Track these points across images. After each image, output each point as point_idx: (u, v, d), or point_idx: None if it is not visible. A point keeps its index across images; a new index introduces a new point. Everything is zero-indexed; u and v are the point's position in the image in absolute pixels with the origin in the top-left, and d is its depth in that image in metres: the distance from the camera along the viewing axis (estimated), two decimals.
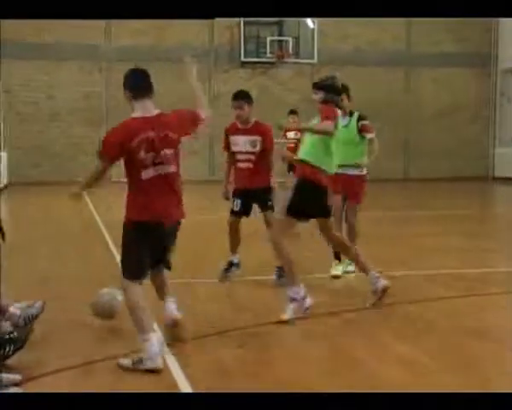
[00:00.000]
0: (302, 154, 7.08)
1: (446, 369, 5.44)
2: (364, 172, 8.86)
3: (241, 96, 8.34)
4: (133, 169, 5.65)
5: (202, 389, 4.93)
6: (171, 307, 6.16)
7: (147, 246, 5.72)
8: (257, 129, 8.37)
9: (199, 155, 23.97)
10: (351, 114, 8.82)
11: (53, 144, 23.79)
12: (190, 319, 7.01)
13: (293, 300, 6.72)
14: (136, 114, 5.72)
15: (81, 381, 5.25)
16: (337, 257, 8.81)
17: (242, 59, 24.25)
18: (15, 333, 5.52)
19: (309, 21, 24.02)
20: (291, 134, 16.52)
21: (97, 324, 6.58)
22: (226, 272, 8.55)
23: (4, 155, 22.10)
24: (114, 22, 23.58)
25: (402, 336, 6.28)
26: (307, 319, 6.89)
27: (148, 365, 5.35)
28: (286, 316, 6.65)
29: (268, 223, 8.34)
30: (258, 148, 8.28)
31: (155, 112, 5.76)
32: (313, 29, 24.18)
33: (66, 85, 23.82)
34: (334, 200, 7.87)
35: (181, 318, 6.17)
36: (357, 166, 8.76)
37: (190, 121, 6.04)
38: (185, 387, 5.00)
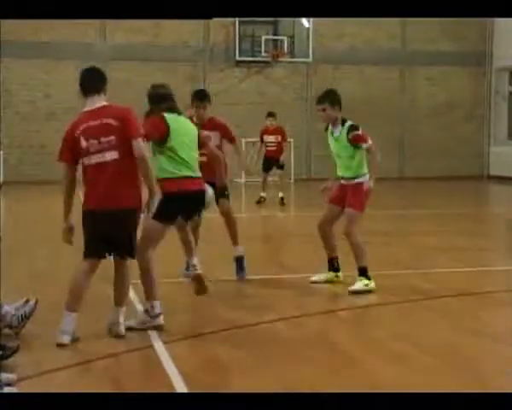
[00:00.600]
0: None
1: (444, 367, 5.44)
2: (362, 179, 8.39)
3: (205, 97, 8.70)
4: (80, 159, 6.05)
5: (198, 389, 4.92)
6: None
7: (94, 232, 6.12)
8: (213, 124, 8.59)
9: None
10: (343, 123, 8.69)
11: (49, 143, 23.72)
12: (186, 317, 7.00)
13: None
14: (84, 109, 6.15)
15: (77, 380, 5.24)
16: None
17: (237, 58, 24.20)
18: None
19: (304, 20, 24.00)
20: (271, 138, 16.79)
21: (93, 322, 6.56)
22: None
23: (1, 153, 22.05)
24: (109, 21, 23.53)
25: (399, 334, 6.28)
26: (303, 317, 6.90)
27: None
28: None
29: (223, 213, 8.57)
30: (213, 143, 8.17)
31: (101, 104, 6.13)
32: (308, 28, 24.15)
33: (63, 84, 23.76)
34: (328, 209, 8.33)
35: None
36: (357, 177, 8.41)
37: (136, 126, 6.15)
38: (181, 386, 4.99)
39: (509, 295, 8.08)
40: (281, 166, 16.99)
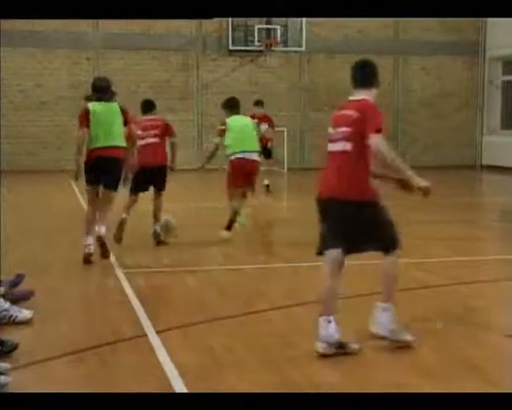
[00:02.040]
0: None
1: (440, 357, 5.45)
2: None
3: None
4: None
5: (191, 378, 4.92)
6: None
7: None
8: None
9: (188, 144, 23.89)
10: None
11: (41, 133, 23.67)
12: (179, 307, 7.00)
13: None
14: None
15: (70, 369, 5.23)
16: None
17: (230, 47, 24.14)
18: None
19: None
20: (265, 126, 16.91)
21: (86, 312, 6.56)
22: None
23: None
24: None
25: None
26: (296, 306, 6.90)
27: None
28: None
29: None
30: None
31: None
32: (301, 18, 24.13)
33: (55, 74, 23.68)
34: None
35: None
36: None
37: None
38: (174, 376, 4.99)
39: (502, 285, 8.10)
40: (268, 154, 17.12)
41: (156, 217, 10.26)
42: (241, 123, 10.71)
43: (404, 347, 5.52)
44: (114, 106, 8.92)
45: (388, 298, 5.70)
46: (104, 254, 8.85)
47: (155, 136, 10.29)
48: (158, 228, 10.20)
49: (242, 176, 10.40)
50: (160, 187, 10.29)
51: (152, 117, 10.58)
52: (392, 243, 5.76)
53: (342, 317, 5.63)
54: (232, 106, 10.84)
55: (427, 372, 5.09)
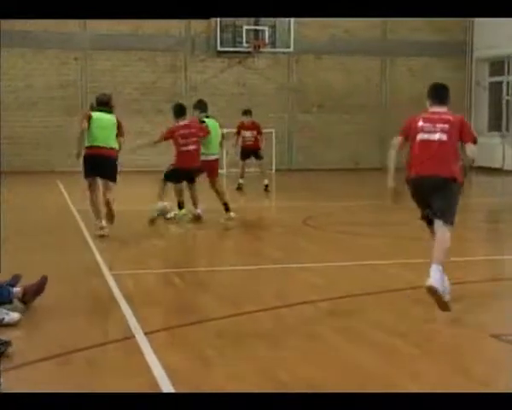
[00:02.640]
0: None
1: (425, 357, 5.48)
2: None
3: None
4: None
5: (180, 380, 4.92)
6: None
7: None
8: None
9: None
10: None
11: (31, 133, 23.59)
12: (167, 308, 7.01)
13: None
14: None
15: (58, 371, 5.23)
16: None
17: (219, 48, 24.14)
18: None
19: None
20: (248, 133, 17.74)
21: (74, 313, 6.55)
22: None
23: None
24: None
25: (379, 324, 6.31)
26: (284, 307, 6.92)
27: None
28: None
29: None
30: None
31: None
32: (289, 18, 24.14)
33: (44, 74, 23.63)
34: None
35: None
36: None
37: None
38: (162, 377, 4.99)
39: (489, 285, 8.14)
40: (259, 157, 17.89)
41: (195, 204, 12.37)
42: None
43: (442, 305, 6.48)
44: (112, 117, 11.04)
45: (440, 260, 6.73)
46: (109, 218, 10.92)
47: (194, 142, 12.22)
48: (199, 211, 12.30)
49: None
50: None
51: (186, 122, 12.39)
52: (450, 218, 6.95)
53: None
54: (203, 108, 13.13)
55: (415, 373, 5.11)
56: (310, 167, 24.58)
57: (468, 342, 5.93)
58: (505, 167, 24.18)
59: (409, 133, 7.19)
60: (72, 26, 23.56)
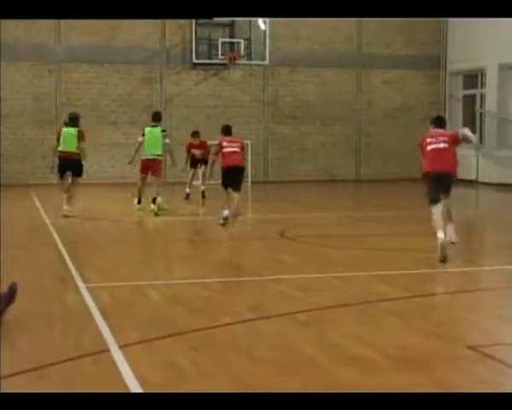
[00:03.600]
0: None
1: (396, 368, 5.47)
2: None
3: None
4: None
5: (154, 390, 4.88)
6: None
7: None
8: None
9: None
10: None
11: (3, 145, 23.41)
12: (142, 321, 6.95)
13: None
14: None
15: (30, 388, 5.15)
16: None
17: (194, 60, 24.15)
18: None
19: (260, 23, 24.02)
20: (197, 151, 18.74)
21: (48, 327, 6.48)
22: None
23: None
24: (63, 22, 23.30)
25: (355, 336, 6.30)
26: (260, 320, 6.89)
27: None
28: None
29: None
30: None
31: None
32: (265, 31, 24.18)
33: (16, 86, 23.47)
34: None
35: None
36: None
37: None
38: (138, 390, 4.94)
39: (464, 296, 8.17)
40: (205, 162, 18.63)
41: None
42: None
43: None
44: (73, 130, 15.23)
45: (451, 220, 10.52)
46: (69, 199, 15.03)
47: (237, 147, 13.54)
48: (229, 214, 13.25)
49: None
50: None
51: (231, 138, 13.71)
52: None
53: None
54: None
55: (389, 385, 5.10)
56: (285, 179, 24.64)
57: (442, 353, 5.94)
58: (479, 179, 24.36)
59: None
60: (45, 37, 23.46)
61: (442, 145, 10.40)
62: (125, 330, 6.48)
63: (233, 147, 13.27)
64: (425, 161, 10.64)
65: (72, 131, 15.12)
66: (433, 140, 10.51)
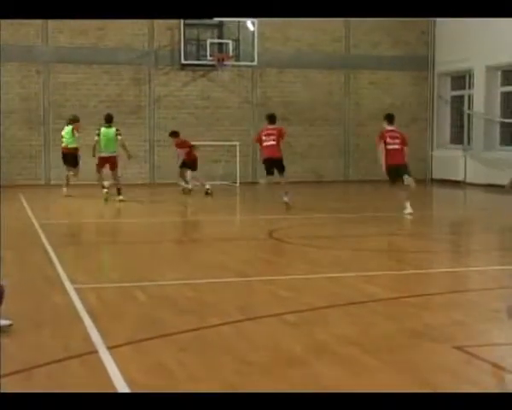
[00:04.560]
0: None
1: (387, 369, 5.49)
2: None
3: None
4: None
5: (142, 390, 4.87)
6: None
7: None
8: None
9: (140, 158, 23.78)
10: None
11: None
12: (130, 322, 6.95)
13: None
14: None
15: (17, 389, 5.14)
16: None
17: (182, 61, 24.11)
18: None
19: (249, 24, 24.02)
20: (181, 151, 19.99)
21: (36, 328, 6.46)
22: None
23: None
24: (51, 22, 23.25)
25: (343, 337, 6.31)
26: (248, 321, 6.90)
27: None
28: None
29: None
30: None
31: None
32: (253, 32, 24.18)
33: (4, 87, 23.38)
34: None
35: None
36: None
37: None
38: (124, 390, 4.94)
39: (451, 297, 8.20)
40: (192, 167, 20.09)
41: (285, 189, 16.54)
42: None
43: None
44: (69, 128, 19.13)
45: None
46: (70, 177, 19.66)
47: (273, 140, 16.74)
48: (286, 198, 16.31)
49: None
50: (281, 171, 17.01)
51: (273, 126, 16.80)
52: None
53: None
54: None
55: (377, 385, 5.11)
56: (273, 180, 24.61)
57: (430, 353, 5.96)
58: (467, 180, 24.44)
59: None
60: (33, 38, 23.40)
61: (397, 146, 15.35)
62: (113, 331, 6.47)
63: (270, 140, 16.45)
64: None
65: (68, 130, 18.44)
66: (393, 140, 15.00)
